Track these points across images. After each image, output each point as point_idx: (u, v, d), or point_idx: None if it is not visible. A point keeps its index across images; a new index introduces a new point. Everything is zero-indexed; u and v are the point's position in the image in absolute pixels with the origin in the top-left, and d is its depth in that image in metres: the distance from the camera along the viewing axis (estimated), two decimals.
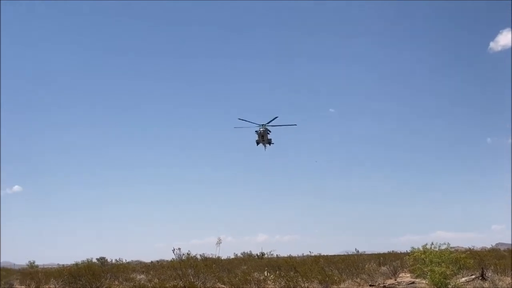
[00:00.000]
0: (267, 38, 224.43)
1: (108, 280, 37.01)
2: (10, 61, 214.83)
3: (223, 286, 35.76)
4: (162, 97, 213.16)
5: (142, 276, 47.12)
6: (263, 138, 54.42)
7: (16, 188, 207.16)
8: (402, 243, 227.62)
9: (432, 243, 33.05)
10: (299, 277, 33.56)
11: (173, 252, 47.23)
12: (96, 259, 78.55)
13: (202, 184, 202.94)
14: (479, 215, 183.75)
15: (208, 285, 34.73)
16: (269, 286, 35.54)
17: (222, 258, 70.10)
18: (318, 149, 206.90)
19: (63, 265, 74.68)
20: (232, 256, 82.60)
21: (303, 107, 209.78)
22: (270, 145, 55.70)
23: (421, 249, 33.13)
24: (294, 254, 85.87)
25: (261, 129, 53.92)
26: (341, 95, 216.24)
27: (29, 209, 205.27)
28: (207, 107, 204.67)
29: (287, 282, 32.91)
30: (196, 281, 34.56)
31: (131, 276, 44.65)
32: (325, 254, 79.19)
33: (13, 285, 41.87)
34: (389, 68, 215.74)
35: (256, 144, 55.22)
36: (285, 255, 79.47)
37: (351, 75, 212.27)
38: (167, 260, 66.87)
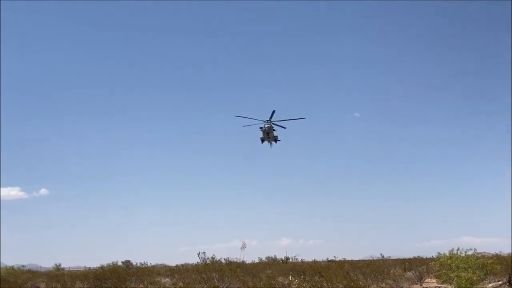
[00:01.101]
0: (290, 42, 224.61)
1: (133, 283, 37.17)
2: (36, 65, 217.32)
3: None
4: (183, 104, 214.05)
5: (167, 279, 47.22)
6: (268, 135, 51.98)
7: (43, 191, 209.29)
8: (428, 248, 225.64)
9: (458, 249, 32.78)
10: (324, 282, 33.39)
11: (198, 256, 47.45)
12: (121, 262, 78.93)
13: (226, 188, 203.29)
14: (506, 220, 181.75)
15: None
16: None
17: (247, 262, 70.09)
18: (343, 153, 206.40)
19: (89, 268, 75.22)
20: (257, 260, 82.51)
21: (328, 110, 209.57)
22: (276, 142, 53.14)
23: (447, 254, 32.84)
24: (318, 258, 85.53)
25: (266, 126, 51.47)
26: (367, 99, 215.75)
27: (56, 212, 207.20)
28: (229, 113, 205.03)
29: (312, 287, 32.75)
30: (221, 285, 34.59)
31: (156, 280, 44.76)
32: (350, 259, 78.80)
33: (39, 287, 42.19)
34: (417, 71, 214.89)
35: (261, 142, 52.71)
36: (310, 260, 79.20)
37: (376, 79, 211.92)
38: (192, 264, 66.97)
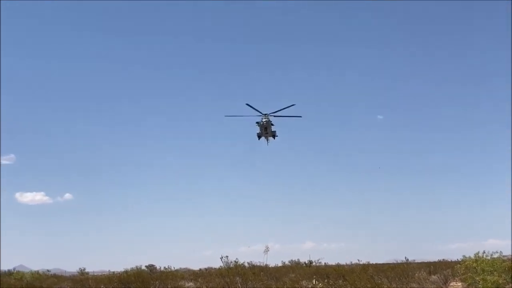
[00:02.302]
0: (316, 47, 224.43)
1: (157, 287, 37.23)
2: (64, 71, 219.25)
3: None
4: (209, 112, 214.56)
5: (191, 283, 47.33)
6: (266, 130, 48.40)
7: (67, 196, 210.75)
8: (453, 251, 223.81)
9: (484, 252, 32.44)
10: (348, 285, 33.23)
11: (221, 260, 47.34)
12: (145, 266, 79.16)
13: (250, 192, 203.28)
14: None
15: None
16: None
17: (270, 266, 69.93)
18: (366, 156, 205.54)
19: (113, 272, 75.50)
20: (280, 264, 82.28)
21: (351, 113, 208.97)
22: (274, 138, 49.48)
23: (472, 257, 32.51)
24: (342, 262, 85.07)
25: (264, 120, 47.93)
26: (390, 102, 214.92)
27: (80, 216, 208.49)
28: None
29: None
30: None
31: (179, 284, 44.85)
32: (374, 262, 78.31)
33: None
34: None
35: (257, 138, 49.03)
36: (333, 263, 78.81)
37: (400, 82, 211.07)
38: (215, 268, 66.99)
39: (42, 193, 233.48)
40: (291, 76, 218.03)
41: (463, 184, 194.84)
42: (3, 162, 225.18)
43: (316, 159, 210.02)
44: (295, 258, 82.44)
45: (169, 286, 41.23)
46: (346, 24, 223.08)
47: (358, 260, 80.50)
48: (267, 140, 49.42)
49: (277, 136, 49.45)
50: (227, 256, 47.87)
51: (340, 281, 35.75)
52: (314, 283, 41.04)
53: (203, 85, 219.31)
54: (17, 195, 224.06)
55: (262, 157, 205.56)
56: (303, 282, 39.73)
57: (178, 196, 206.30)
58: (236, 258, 50.12)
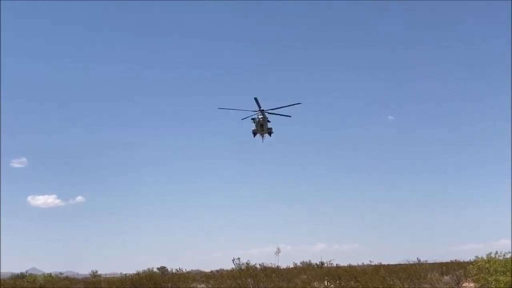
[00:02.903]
0: (328, 47, 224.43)
1: None
2: (73, 74, 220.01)
3: None
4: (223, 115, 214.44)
5: (202, 285, 47.37)
6: (262, 127, 46.72)
7: (79, 198, 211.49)
8: (465, 252, 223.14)
9: (497, 252, 32.26)
10: (360, 286, 33.17)
11: (233, 262, 47.29)
12: (157, 268, 79.26)
13: (260, 194, 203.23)
14: None
15: None
16: None
17: (281, 268, 69.84)
18: (377, 156, 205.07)
19: (125, 274, 75.65)
20: (291, 266, 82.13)
21: (362, 113, 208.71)
22: (270, 135, 47.72)
23: (485, 258, 32.35)
24: (353, 263, 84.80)
25: (260, 117, 46.31)
26: (401, 102, 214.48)
27: (92, 219, 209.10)
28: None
29: None
30: None
31: (191, 286, 44.92)
32: (386, 263, 78.04)
33: None
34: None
35: (252, 135, 47.44)
36: (345, 265, 78.58)
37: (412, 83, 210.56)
38: (227, 270, 66.99)
39: (54, 195, 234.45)
40: (299, 76, 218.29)
41: (475, 184, 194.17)
42: (15, 165, 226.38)
43: (328, 160, 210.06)
44: (306, 260, 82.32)
45: None
46: (354, 23, 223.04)
47: (370, 261, 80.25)
48: (263, 137, 48.00)
49: (273, 133, 48.04)
50: (238, 258, 47.83)
51: (352, 282, 35.71)
52: (326, 284, 40.98)
53: (217, 86, 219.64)
54: (29, 198, 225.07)
55: (273, 159, 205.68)
56: (315, 283, 39.68)
57: (189, 198, 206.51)
58: (248, 260, 50.11)
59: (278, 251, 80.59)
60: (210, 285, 45.52)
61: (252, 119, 46.68)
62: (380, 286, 33.09)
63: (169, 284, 39.97)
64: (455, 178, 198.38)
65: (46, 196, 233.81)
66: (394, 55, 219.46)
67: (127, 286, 36.58)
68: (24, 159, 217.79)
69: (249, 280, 36.56)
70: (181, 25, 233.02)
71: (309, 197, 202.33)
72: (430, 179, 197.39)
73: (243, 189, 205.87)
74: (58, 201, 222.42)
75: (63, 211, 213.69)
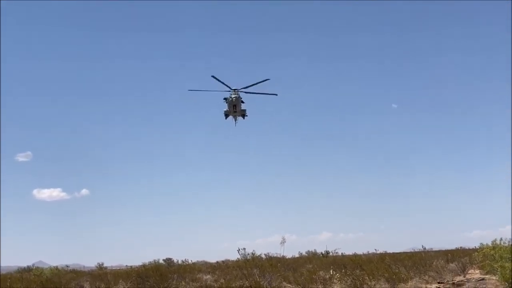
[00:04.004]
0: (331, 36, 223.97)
1: (175, 280, 37.40)
2: (76, 68, 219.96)
3: (289, 285, 35.71)
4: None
5: (208, 276, 47.45)
6: (235, 108, 43.22)
7: (84, 191, 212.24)
8: (471, 239, 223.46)
9: (501, 239, 32.27)
10: (365, 275, 33.23)
11: (238, 252, 47.45)
12: (163, 260, 79.47)
13: (266, 183, 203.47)
14: None
15: (274, 285, 34.71)
16: (335, 285, 35.29)
17: (287, 257, 69.98)
18: (382, 145, 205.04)
19: (131, 266, 75.85)
20: (297, 255, 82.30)
21: (365, 102, 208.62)
22: (244, 118, 44.27)
23: (490, 244, 32.36)
24: (359, 252, 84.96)
25: (233, 96, 42.89)
26: (405, 90, 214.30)
27: (97, 212, 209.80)
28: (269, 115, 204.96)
29: (353, 280, 32.63)
30: (262, 280, 34.59)
31: (197, 277, 45.00)
32: (391, 252, 78.14)
33: (83, 287, 42.74)
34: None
35: (224, 117, 43.81)
36: (350, 253, 78.76)
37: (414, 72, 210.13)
38: (232, 260, 67.13)
39: (59, 189, 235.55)
40: (304, 64, 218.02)
41: (479, 171, 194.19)
42: (20, 159, 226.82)
43: (333, 149, 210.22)
44: (312, 249, 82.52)
45: (187, 279, 41.41)
46: (357, 11, 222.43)
47: (375, 250, 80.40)
48: (235, 119, 44.59)
49: (247, 115, 44.74)
50: (244, 248, 48.05)
51: (358, 271, 35.73)
52: (331, 273, 41.06)
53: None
54: (35, 191, 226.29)
55: (278, 148, 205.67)
56: (320, 273, 39.71)
57: (194, 189, 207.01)
58: (253, 250, 50.23)
59: (283, 241, 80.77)
60: (216, 276, 45.61)
61: (225, 98, 43.43)
62: (385, 274, 33.13)
63: (175, 275, 40.03)
64: (460, 164, 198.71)
65: (52, 189, 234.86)
66: (397, 42, 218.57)
67: (133, 278, 36.62)
68: (29, 152, 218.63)
69: (255, 270, 36.63)
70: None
71: (314, 186, 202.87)
72: (435, 167, 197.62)
73: (248, 178, 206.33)
74: (63, 194, 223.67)
75: (68, 204, 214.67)
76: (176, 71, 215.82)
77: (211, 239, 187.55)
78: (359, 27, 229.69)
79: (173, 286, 34.62)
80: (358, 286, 31.58)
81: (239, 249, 46.92)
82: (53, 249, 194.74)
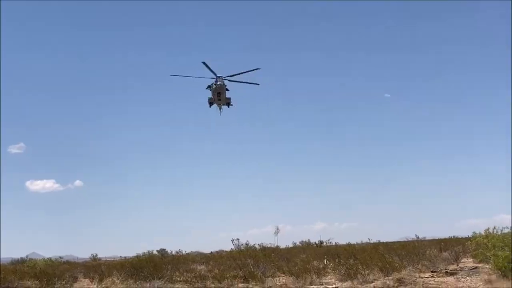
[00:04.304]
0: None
1: (169, 271, 37.41)
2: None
3: (282, 275, 35.78)
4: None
5: (202, 266, 47.53)
6: (219, 96, 42.42)
7: (78, 183, 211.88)
8: (464, 227, 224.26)
9: (495, 227, 32.32)
10: (359, 264, 33.30)
11: (232, 243, 47.55)
12: (157, 251, 79.73)
13: (259, 173, 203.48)
14: None
15: (268, 274, 34.77)
16: (329, 275, 35.37)
17: (281, 247, 70.18)
18: (375, 134, 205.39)
19: (125, 257, 75.96)
20: (291, 245, 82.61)
21: (358, 91, 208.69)
22: (228, 106, 43.68)
23: (483, 233, 32.42)
24: (353, 241, 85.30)
25: (219, 84, 42.03)
26: (398, 81, 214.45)
27: (91, 203, 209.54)
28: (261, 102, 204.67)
29: (347, 270, 32.68)
30: (256, 270, 34.66)
31: (191, 267, 45.06)
32: (385, 241, 78.45)
33: (77, 278, 42.73)
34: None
35: (208, 105, 43.33)
36: (344, 243, 79.09)
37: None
38: (226, 251, 67.28)
39: (53, 180, 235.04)
40: (301, 55, 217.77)
41: (471, 160, 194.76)
42: (12, 151, 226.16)
43: (326, 138, 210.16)
44: (306, 239, 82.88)
45: (181, 270, 41.45)
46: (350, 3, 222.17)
47: (369, 239, 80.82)
48: (220, 108, 43.81)
49: (231, 104, 44.02)
50: (238, 239, 48.19)
51: (351, 261, 35.80)
52: (325, 262, 41.17)
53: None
54: (28, 183, 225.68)
55: (272, 136, 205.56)
56: (314, 262, 39.81)
57: (187, 180, 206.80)
58: (247, 241, 50.35)
59: (277, 231, 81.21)
60: (210, 266, 45.67)
61: (209, 86, 42.64)
62: (379, 263, 33.20)
63: (169, 266, 40.06)
64: (452, 152, 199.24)
65: (45, 180, 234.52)
66: (392, 32, 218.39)
67: (127, 269, 36.63)
68: (21, 144, 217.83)
69: (249, 260, 36.69)
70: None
71: (309, 176, 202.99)
72: (427, 156, 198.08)
73: (241, 169, 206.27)
74: (56, 185, 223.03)
75: (62, 196, 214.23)
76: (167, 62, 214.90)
77: (205, 230, 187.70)
78: (354, 17, 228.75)
79: (167, 277, 34.60)
80: (352, 275, 31.61)
81: (233, 240, 47.09)
82: (47, 240, 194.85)
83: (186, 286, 32.54)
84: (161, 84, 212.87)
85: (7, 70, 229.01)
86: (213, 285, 32.13)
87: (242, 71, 41.73)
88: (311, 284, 31.55)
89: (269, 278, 33.80)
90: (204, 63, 40.95)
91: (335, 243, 78.10)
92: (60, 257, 78.53)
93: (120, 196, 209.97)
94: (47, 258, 71.46)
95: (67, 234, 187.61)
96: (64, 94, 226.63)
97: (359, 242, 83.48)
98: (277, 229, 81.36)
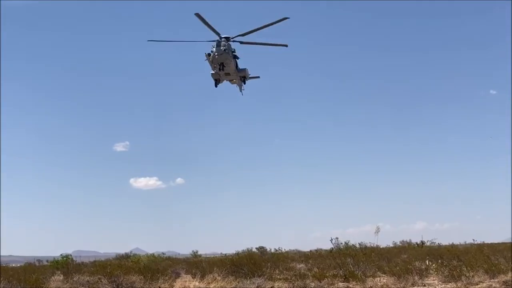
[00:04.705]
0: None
1: (268, 269, 37.57)
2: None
3: (383, 275, 35.25)
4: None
5: (302, 265, 47.43)
6: (223, 68, 29.96)
7: (179, 180, 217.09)
8: None
9: None
10: (463, 266, 32.39)
11: (331, 242, 47.24)
12: (256, 248, 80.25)
13: (358, 173, 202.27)
14: None
15: (368, 274, 34.36)
16: (432, 276, 34.59)
17: (381, 247, 69.24)
18: (478, 131, 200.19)
19: (224, 254, 76.96)
20: (391, 245, 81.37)
21: (461, 89, 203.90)
22: (244, 83, 32.44)
23: None
24: (455, 242, 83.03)
25: (217, 49, 29.29)
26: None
27: (192, 200, 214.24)
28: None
29: (450, 271, 31.85)
30: (356, 270, 34.33)
31: (290, 265, 45.06)
32: (490, 242, 75.97)
33: (179, 274, 43.58)
34: None
35: (214, 83, 31.43)
36: (446, 244, 77.09)
37: None
38: (325, 250, 66.95)
39: (155, 178, 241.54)
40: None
41: None
42: (118, 149, 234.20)
43: (429, 139, 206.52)
44: (406, 239, 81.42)
45: (280, 268, 41.55)
46: None
47: (473, 240, 78.33)
48: (240, 88, 32.68)
49: (257, 77, 33.04)
50: (337, 238, 47.84)
51: (455, 262, 34.87)
52: (427, 263, 40.31)
53: None
54: (131, 180, 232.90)
55: (372, 137, 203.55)
56: (416, 263, 38.99)
57: (285, 178, 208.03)
58: (347, 240, 49.94)
59: (377, 230, 80.00)
60: (309, 265, 45.54)
61: (208, 54, 29.90)
62: (484, 265, 32.15)
63: (269, 263, 40.24)
64: None
65: (148, 178, 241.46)
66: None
67: (228, 266, 37.04)
68: (127, 142, 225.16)
69: (349, 259, 36.39)
70: None
71: (410, 175, 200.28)
72: None
73: (341, 169, 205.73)
74: (159, 183, 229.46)
75: (165, 193, 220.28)
76: None
77: (303, 228, 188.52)
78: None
79: (267, 275, 34.74)
80: (456, 277, 30.77)
81: (331, 239, 46.72)
82: (149, 236, 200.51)
83: (286, 285, 32.54)
84: None
85: (119, 71, 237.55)
86: (313, 284, 31.99)
87: (263, 25, 28.87)
88: (413, 285, 30.98)
89: (370, 278, 33.39)
90: (198, 15, 28.09)
91: (438, 243, 76.28)
92: (162, 253, 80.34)
93: (219, 194, 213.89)
94: (150, 253, 73.34)
95: (168, 231, 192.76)
96: (168, 93, 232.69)
97: (462, 243, 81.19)
98: (378, 228, 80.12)
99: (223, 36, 29.57)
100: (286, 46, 30.57)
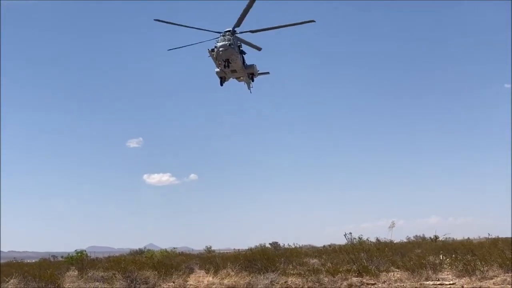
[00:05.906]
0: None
1: (282, 264, 37.59)
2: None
3: (397, 270, 35.17)
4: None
5: (315, 260, 47.39)
6: (228, 65, 27.65)
7: (193, 176, 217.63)
8: None
9: None
10: (477, 260, 32.25)
11: (345, 237, 47.01)
12: (269, 243, 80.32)
13: (371, 167, 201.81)
14: None
15: (382, 269, 34.29)
16: (446, 270, 34.47)
17: (394, 242, 69.07)
18: (492, 125, 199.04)
19: (238, 250, 77.08)
20: (405, 240, 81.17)
21: (474, 81, 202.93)
22: (252, 80, 30.00)
23: None
24: (470, 237, 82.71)
25: (227, 43, 27.00)
26: None
27: (205, 196, 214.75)
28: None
29: (464, 266, 31.73)
30: (370, 265, 34.28)
31: (304, 261, 45.03)
32: (505, 237, 75.51)
33: (193, 269, 43.72)
34: None
35: (219, 82, 29.11)
36: (460, 238, 76.84)
37: None
38: (339, 245, 66.87)
39: (169, 174, 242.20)
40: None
41: None
42: (131, 145, 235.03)
43: (440, 133, 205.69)
44: (420, 234, 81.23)
45: (294, 263, 41.55)
46: None
47: (488, 234, 77.95)
48: (249, 85, 30.30)
49: (266, 73, 30.79)
50: (350, 233, 47.58)
51: (469, 256, 34.72)
52: (441, 258, 40.19)
53: None
54: (145, 176, 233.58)
55: (384, 132, 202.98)
56: (430, 258, 38.86)
57: (299, 174, 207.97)
58: (361, 234, 49.70)
59: (392, 225, 79.65)
60: (323, 260, 45.49)
61: (211, 50, 27.64)
62: (499, 260, 31.98)
63: (282, 259, 40.25)
64: None
65: (161, 174, 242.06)
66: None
67: (241, 261, 37.10)
68: (140, 138, 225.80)
69: (362, 254, 36.33)
70: None
71: (423, 170, 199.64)
72: None
73: (352, 162, 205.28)
74: (172, 179, 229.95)
75: (178, 189, 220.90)
76: None
77: (317, 223, 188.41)
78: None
79: (281, 270, 34.75)
80: (470, 271, 30.65)
81: (345, 234, 46.48)
82: (163, 232, 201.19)
83: (299, 280, 32.54)
84: None
85: (132, 67, 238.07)
86: (326, 279, 31.98)
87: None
88: (427, 279, 30.88)
89: (383, 273, 33.32)
90: (158, 20, 27.11)
91: (452, 238, 76.06)
92: (175, 249, 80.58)
93: (233, 190, 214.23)
94: (164, 249, 73.59)
95: (182, 226, 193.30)
96: (179, 91, 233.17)
97: (476, 237, 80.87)
98: (393, 223, 79.79)
99: (226, 29, 27.65)
100: (314, 21, 27.60)
